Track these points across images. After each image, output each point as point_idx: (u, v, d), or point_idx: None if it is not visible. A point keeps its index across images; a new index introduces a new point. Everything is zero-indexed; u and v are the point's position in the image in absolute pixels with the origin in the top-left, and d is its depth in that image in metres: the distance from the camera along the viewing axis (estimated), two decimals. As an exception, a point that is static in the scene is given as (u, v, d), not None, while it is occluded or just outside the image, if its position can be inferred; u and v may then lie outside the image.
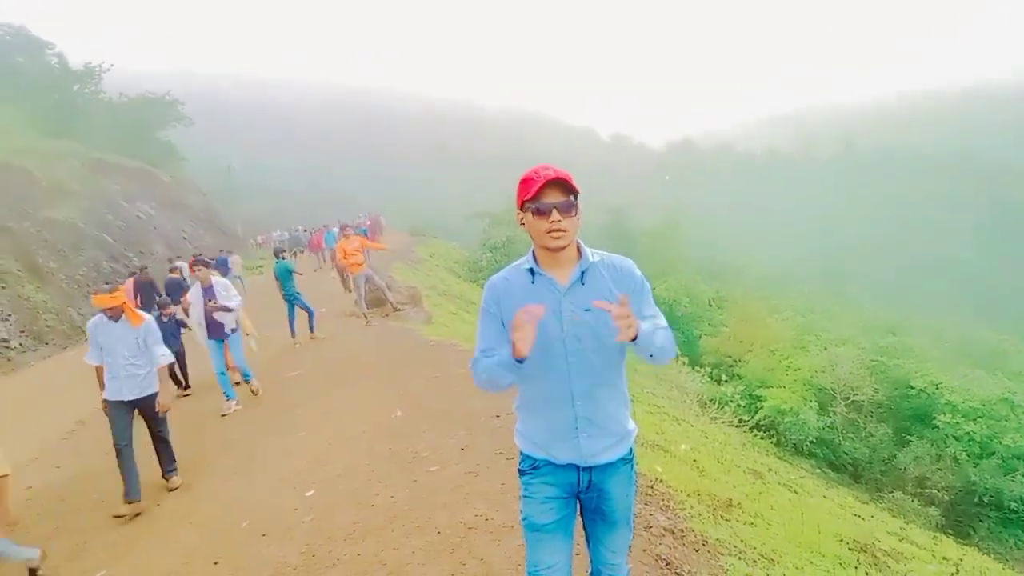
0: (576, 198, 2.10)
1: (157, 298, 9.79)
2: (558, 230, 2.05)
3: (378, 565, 3.93)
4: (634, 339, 2.01)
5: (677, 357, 18.01)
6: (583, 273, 2.17)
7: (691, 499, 4.85)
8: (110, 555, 4.77)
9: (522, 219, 2.15)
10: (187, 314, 8.35)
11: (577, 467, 2.20)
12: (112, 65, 38.36)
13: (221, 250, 26.33)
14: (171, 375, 8.73)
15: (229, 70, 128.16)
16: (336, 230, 27.08)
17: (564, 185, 2.07)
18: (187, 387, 9.52)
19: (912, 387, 18.58)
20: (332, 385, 8.85)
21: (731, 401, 17.25)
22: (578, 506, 2.32)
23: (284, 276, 11.83)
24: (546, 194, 2.06)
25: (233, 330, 8.06)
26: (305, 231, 34.93)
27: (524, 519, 2.26)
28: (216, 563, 4.35)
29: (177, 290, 12.57)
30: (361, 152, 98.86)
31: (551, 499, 2.22)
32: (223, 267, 17.68)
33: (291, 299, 11.87)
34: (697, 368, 19.55)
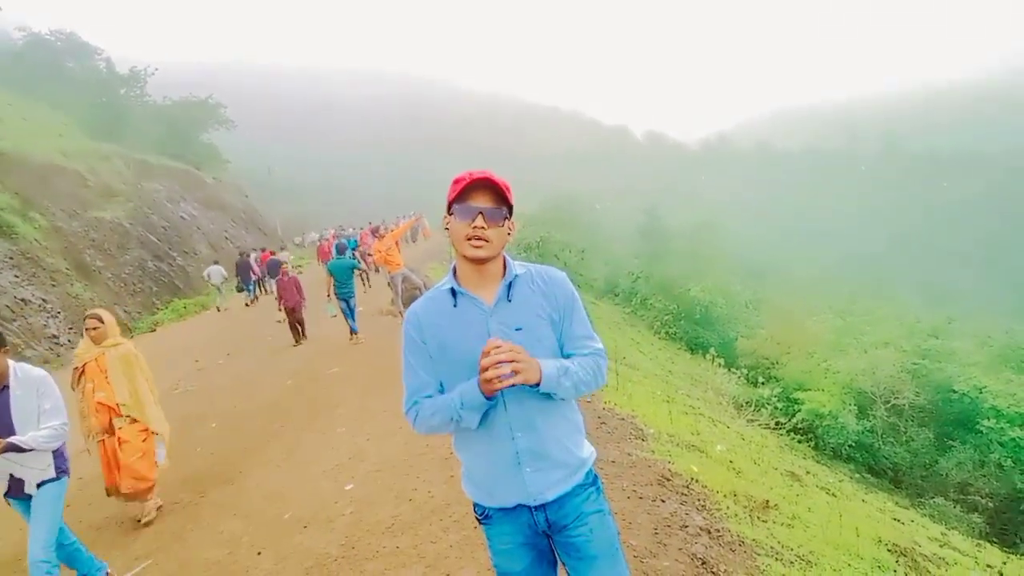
0: (510, 211, 1.93)
1: None
2: (479, 238, 1.86)
3: (416, 558, 4.01)
4: (536, 384, 1.81)
5: (713, 360, 17.85)
6: (509, 287, 1.96)
7: (727, 499, 4.84)
8: (157, 544, 4.93)
9: (447, 223, 1.95)
10: None
11: (528, 508, 1.98)
12: (157, 69, 39.26)
13: (283, 248, 26.87)
14: None
15: (258, 61, 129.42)
16: (359, 232, 27.09)
17: (496, 192, 1.89)
18: None
19: (955, 391, 18.14)
20: (370, 383, 8.99)
21: (768, 403, 17.03)
22: (551, 545, 2.08)
23: (345, 274, 11.75)
24: (474, 197, 1.88)
25: (41, 484, 3.80)
26: (336, 231, 34.98)
27: (495, 567, 2.11)
28: (259, 553, 4.48)
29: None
30: (399, 148, 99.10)
31: (514, 547, 2.03)
32: (275, 267, 17.88)
33: (347, 298, 11.79)
34: (733, 370, 19.35)
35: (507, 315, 1.94)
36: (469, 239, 1.87)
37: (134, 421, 5.19)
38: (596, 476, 2.09)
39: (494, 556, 2.09)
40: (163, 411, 5.48)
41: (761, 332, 26.20)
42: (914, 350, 20.33)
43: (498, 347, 1.75)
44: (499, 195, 1.90)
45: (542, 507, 1.97)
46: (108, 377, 5.09)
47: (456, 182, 1.90)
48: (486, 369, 1.74)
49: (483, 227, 1.86)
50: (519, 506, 1.98)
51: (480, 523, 2.10)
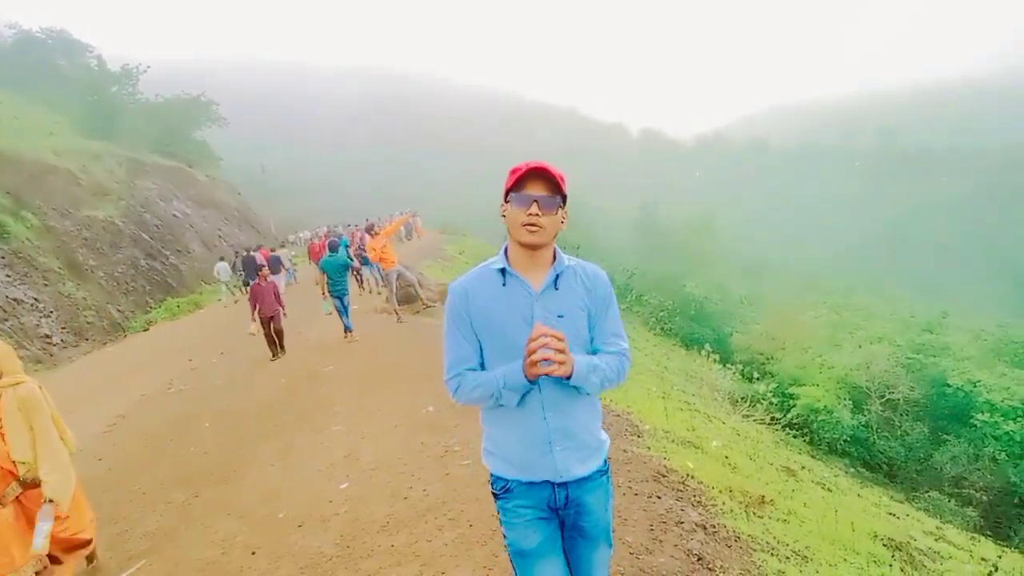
0: (564, 201, 2.01)
1: None
2: (534, 224, 1.95)
3: (412, 557, 3.99)
4: (568, 376, 1.90)
5: (708, 355, 17.87)
6: (557, 277, 2.05)
7: (723, 495, 4.83)
8: (150, 545, 4.88)
9: (504, 211, 2.04)
10: None
11: (552, 484, 2.07)
12: (149, 67, 39.08)
13: (283, 244, 26.77)
14: None
15: (251, 58, 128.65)
16: (350, 231, 26.84)
17: (551, 182, 1.97)
18: None
19: (949, 385, 18.21)
20: (365, 380, 8.94)
21: (763, 399, 16.99)
22: (561, 522, 2.16)
23: (339, 271, 11.50)
24: (530, 186, 1.97)
25: None
26: (329, 229, 34.69)
27: (508, 545, 2.14)
28: (254, 553, 4.44)
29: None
30: (395, 144, 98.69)
31: (532, 521, 2.09)
32: (276, 264, 16.82)
33: (341, 295, 11.52)
34: (728, 365, 19.36)
35: (552, 302, 2.04)
36: (525, 226, 1.96)
37: (36, 486, 3.67)
38: (608, 465, 2.21)
39: (510, 532, 2.13)
40: (74, 469, 3.79)
41: (756, 328, 26.26)
42: (908, 345, 20.44)
43: (546, 335, 1.84)
44: (554, 184, 1.98)
45: (564, 484, 2.08)
46: (3, 427, 3.69)
47: (513, 172, 1.99)
48: (532, 352, 1.84)
49: (538, 214, 1.95)
50: (544, 481, 2.08)
51: (497, 497, 2.16)
